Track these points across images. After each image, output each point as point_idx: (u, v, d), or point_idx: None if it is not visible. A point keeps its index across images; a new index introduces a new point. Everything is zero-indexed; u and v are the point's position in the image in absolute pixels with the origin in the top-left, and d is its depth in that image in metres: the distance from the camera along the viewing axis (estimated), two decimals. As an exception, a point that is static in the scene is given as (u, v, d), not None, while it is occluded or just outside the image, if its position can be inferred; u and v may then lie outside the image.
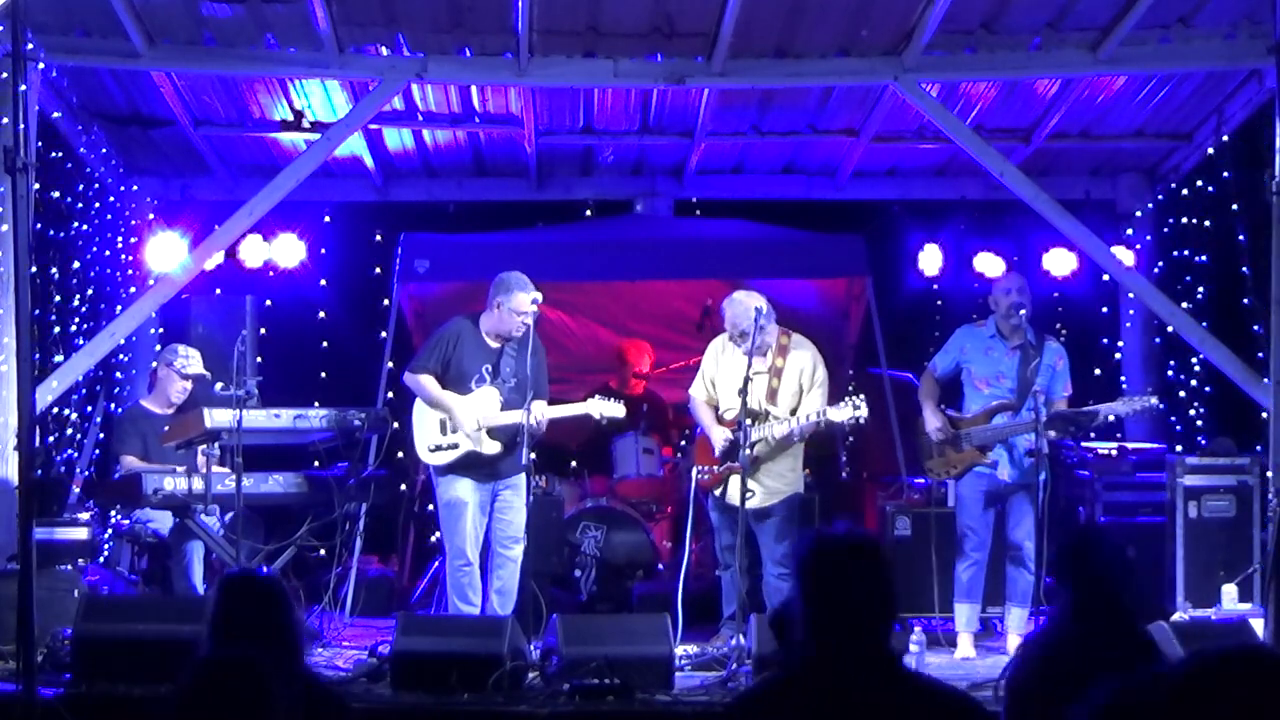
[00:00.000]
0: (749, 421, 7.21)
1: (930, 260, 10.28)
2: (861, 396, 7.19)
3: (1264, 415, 7.74)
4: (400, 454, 8.49)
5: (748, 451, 7.12)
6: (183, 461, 7.62)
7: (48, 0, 7.28)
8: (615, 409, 7.52)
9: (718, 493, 7.47)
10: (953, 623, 7.65)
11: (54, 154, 8.53)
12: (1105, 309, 10.48)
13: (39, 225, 7.90)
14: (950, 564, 7.76)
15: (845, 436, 9.73)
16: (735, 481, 7.29)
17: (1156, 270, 10.02)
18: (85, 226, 9.22)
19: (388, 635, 6.55)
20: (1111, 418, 7.63)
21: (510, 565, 7.27)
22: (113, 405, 9.48)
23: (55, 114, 8.44)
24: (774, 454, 7.34)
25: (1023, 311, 7.44)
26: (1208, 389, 9.65)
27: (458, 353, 7.34)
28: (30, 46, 6.75)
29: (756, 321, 7.25)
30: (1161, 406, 7.60)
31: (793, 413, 7.32)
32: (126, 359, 9.73)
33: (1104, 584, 4.10)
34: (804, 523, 7.96)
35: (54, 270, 8.77)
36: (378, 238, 10.51)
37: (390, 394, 8.82)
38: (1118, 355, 10.40)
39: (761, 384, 7.30)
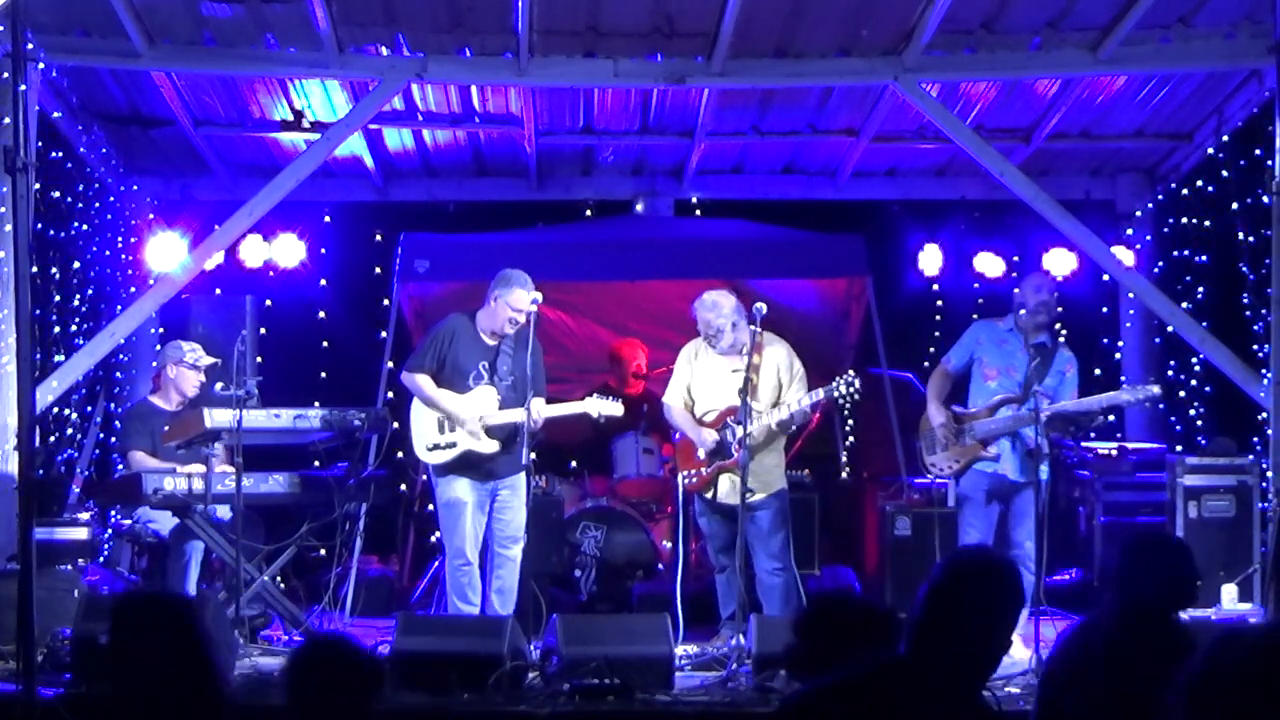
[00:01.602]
0: (732, 419, 7.24)
1: (930, 260, 10.29)
2: (853, 372, 7.20)
3: (1261, 416, 7.74)
4: (400, 454, 8.50)
5: (738, 448, 7.13)
6: (189, 459, 7.60)
7: (48, 0, 7.28)
8: (613, 407, 7.53)
9: (708, 495, 7.47)
10: None
11: (54, 154, 8.53)
12: (1105, 309, 10.48)
13: (39, 225, 7.91)
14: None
15: (845, 436, 9.75)
16: (724, 481, 7.30)
17: (1156, 270, 10.02)
18: (85, 226, 9.22)
19: (388, 635, 6.55)
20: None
21: (510, 565, 7.27)
22: (113, 405, 9.48)
23: (55, 114, 8.44)
24: (758, 450, 7.32)
25: (1040, 317, 7.45)
26: (1208, 389, 9.64)
27: (453, 349, 7.34)
28: (30, 46, 6.75)
29: (752, 319, 7.26)
30: (1158, 392, 7.56)
31: (773, 406, 7.33)
32: (126, 359, 9.73)
33: (1157, 594, 4.11)
34: (803, 522, 7.97)
35: (54, 270, 8.76)
36: (378, 238, 10.51)
37: (390, 394, 8.82)
38: (1118, 355, 10.41)
39: (739, 380, 7.30)
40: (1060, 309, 7.68)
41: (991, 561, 3.27)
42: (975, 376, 7.65)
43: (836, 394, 7.19)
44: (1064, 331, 9.62)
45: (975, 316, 7.94)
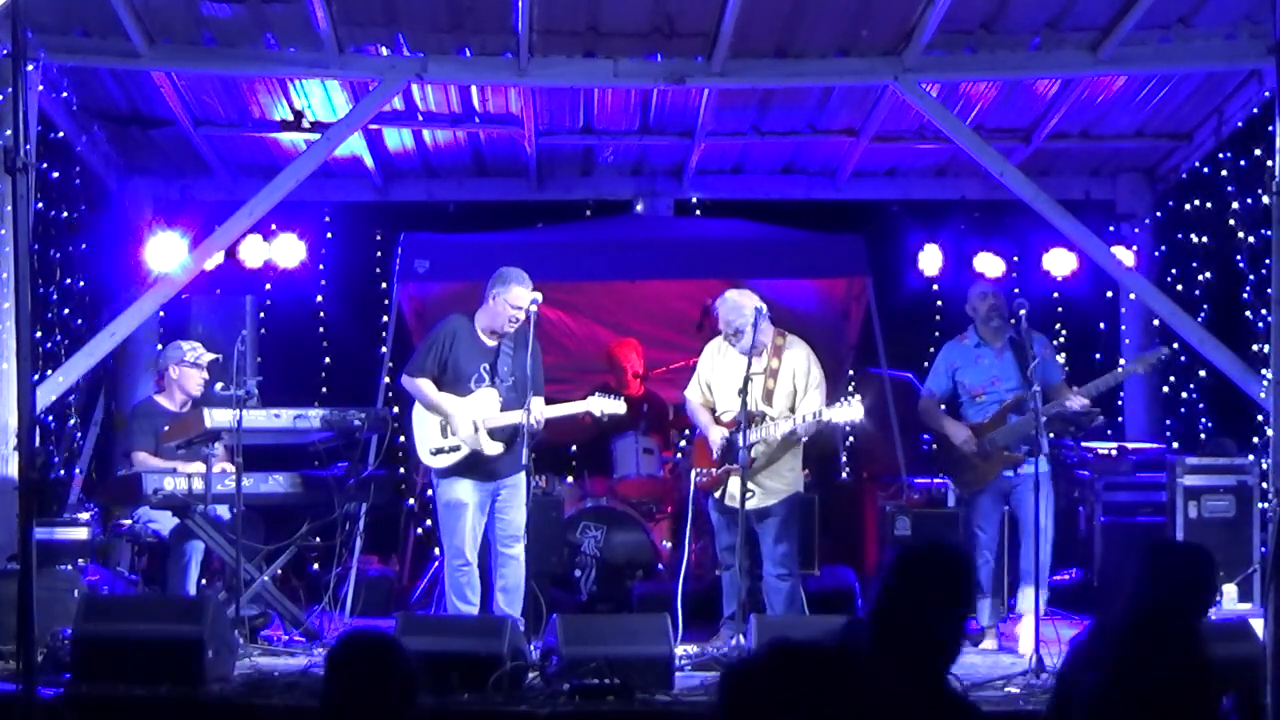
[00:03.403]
0: (748, 424, 7.22)
1: (930, 260, 10.28)
2: (858, 398, 7.20)
3: (1260, 416, 7.74)
4: (400, 455, 8.52)
5: (747, 452, 7.12)
6: (190, 459, 7.59)
7: (48, 0, 7.28)
8: (616, 405, 7.53)
9: (717, 494, 7.46)
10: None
11: (54, 154, 8.53)
12: (1105, 309, 10.48)
13: (39, 226, 7.91)
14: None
15: (845, 437, 9.75)
16: (735, 482, 7.29)
17: (1156, 270, 10.02)
18: (85, 226, 9.22)
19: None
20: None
21: (514, 563, 7.26)
22: (113, 405, 9.48)
23: (55, 114, 8.44)
24: (773, 455, 7.32)
25: (995, 321, 7.50)
26: (1208, 389, 9.65)
27: (454, 352, 7.33)
28: (30, 46, 6.74)
29: (756, 322, 7.25)
30: (1168, 353, 7.62)
31: (790, 412, 7.32)
32: (127, 359, 9.72)
33: (1173, 598, 4.10)
34: (804, 523, 7.96)
35: (54, 270, 8.76)
36: (378, 238, 10.52)
37: (390, 394, 8.82)
38: (1118, 355, 10.40)
39: (757, 384, 7.28)
40: (1026, 306, 7.53)
41: (940, 554, 3.43)
42: (963, 396, 7.73)
43: (836, 418, 7.19)
44: (1064, 331, 9.65)
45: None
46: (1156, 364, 7.55)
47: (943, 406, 7.79)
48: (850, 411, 7.11)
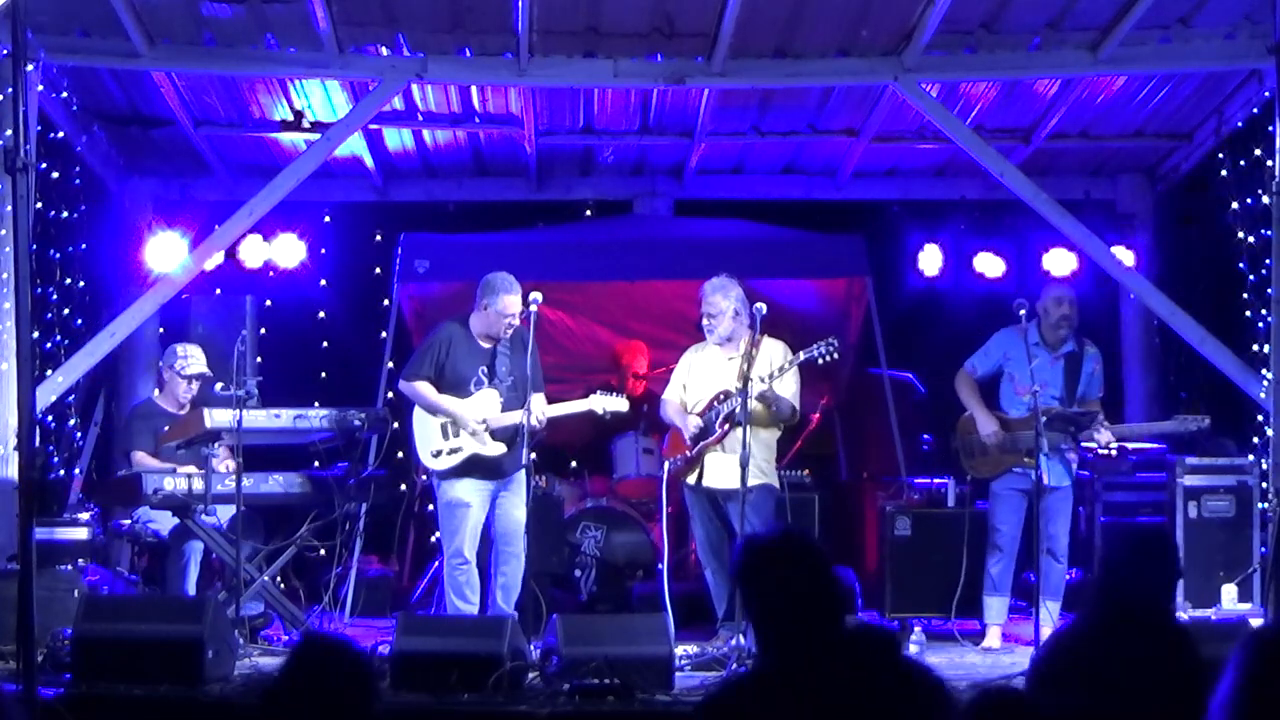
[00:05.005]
0: (722, 398, 7.24)
1: (930, 260, 10.27)
2: (833, 338, 7.20)
3: (1259, 418, 7.74)
4: (400, 455, 8.51)
5: (721, 425, 7.19)
6: (188, 460, 7.60)
7: (48, 0, 7.28)
8: (618, 403, 7.55)
9: (691, 480, 7.46)
10: (953, 623, 7.71)
11: (54, 154, 8.53)
12: (1105, 309, 10.47)
13: (39, 226, 7.91)
14: (951, 564, 7.80)
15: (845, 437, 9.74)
16: (712, 463, 7.33)
17: (1156, 270, 10.02)
18: (85, 226, 9.22)
19: (388, 635, 6.55)
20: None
21: (515, 561, 7.27)
22: (112, 405, 9.48)
23: (55, 114, 8.44)
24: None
25: (1062, 331, 7.58)
26: (1208, 389, 9.64)
27: (451, 357, 7.34)
28: (30, 46, 6.74)
29: (752, 321, 7.26)
30: (1208, 424, 7.75)
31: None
32: (127, 359, 9.73)
33: (1140, 584, 4.07)
34: (803, 522, 7.96)
35: (54, 270, 8.76)
36: (378, 238, 10.52)
37: (390, 394, 8.82)
38: (1121, 363, 10.39)
39: (733, 368, 7.33)
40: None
41: (787, 539, 3.27)
42: (1006, 388, 7.74)
43: (816, 353, 7.18)
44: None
45: (977, 316, 7.94)
46: (1196, 430, 7.68)
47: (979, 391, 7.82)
48: (825, 345, 7.13)
